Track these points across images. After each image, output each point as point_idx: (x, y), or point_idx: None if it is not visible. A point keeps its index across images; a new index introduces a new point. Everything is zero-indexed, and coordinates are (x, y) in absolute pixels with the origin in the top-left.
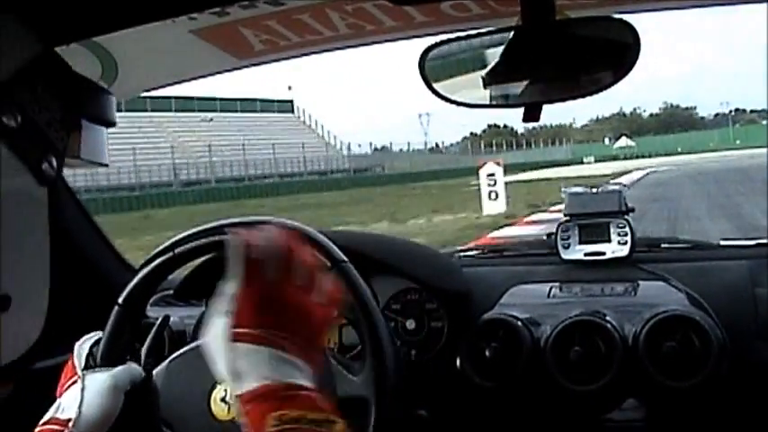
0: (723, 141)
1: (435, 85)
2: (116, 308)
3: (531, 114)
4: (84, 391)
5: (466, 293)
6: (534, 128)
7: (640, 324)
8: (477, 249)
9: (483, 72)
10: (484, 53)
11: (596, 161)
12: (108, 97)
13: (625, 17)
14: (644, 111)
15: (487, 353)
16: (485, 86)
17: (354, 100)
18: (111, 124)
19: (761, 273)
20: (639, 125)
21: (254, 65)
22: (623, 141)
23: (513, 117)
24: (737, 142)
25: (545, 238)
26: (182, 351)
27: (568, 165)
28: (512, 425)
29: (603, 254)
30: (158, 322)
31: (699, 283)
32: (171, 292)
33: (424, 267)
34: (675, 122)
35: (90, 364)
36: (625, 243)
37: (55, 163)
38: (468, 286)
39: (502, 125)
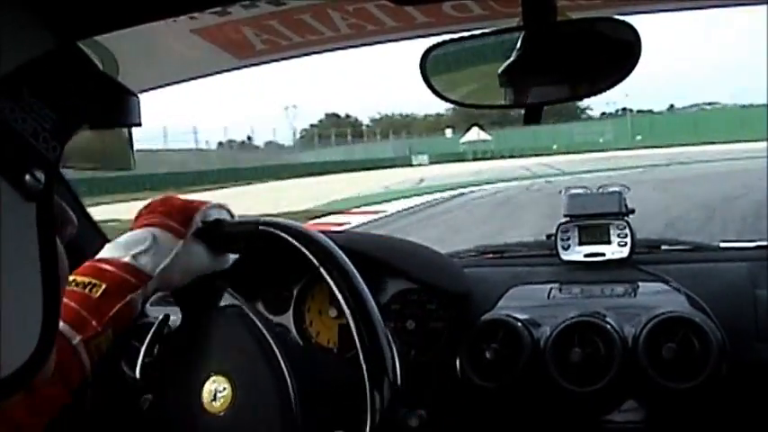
0: (619, 137)
1: (436, 86)
2: (257, 227)
3: (532, 115)
4: (178, 257)
5: (466, 294)
6: (382, 117)
7: (640, 325)
8: (477, 250)
9: (484, 72)
10: (485, 54)
11: (432, 162)
12: (131, 100)
13: (626, 18)
14: None
15: (487, 353)
16: (485, 87)
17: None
18: (136, 125)
19: (760, 274)
20: (504, 112)
21: (255, 64)
22: (474, 134)
23: (354, 105)
24: (638, 138)
25: (545, 239)
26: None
27: (389, 167)
28: (511, 426)
29: (603, 255)
30: (158, 321)
31: (699, 284)
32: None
33: (424, 268)
34: (553, 111)
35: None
36: (625, 244)
37: (42, 176)
38: (468, 287)
39: (344, 114)
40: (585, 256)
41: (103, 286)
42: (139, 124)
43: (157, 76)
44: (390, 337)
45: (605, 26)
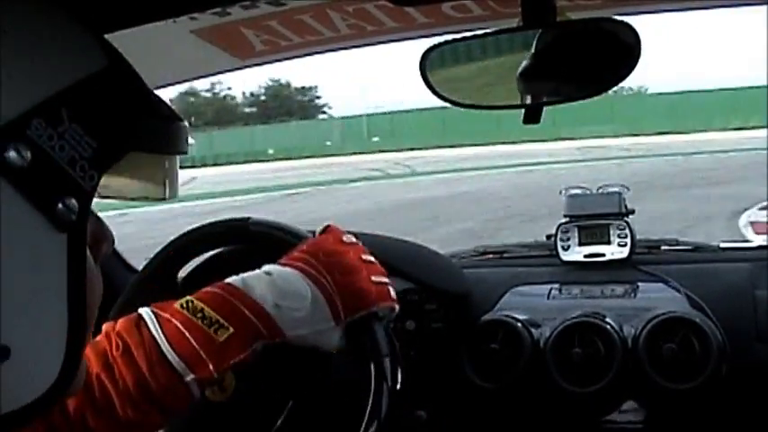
0: (352, 140)
1: (435, 86)
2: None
3: (532, 116)
4: (319, 335)
5: (466, 294)
6: None
7: (640, 326)
8: (477, 251)
9: (483, 73)
10: (484, 54)
11: None
12: (178, 127)
13: (626, 18)
14: (228, 89)
15: (487, 354)
16: (485, 87)
17: None
18: (182, 153)
19: (760, 275)
20: (228, 110)
21: (256, 65)
22: None
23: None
24: (375, 140)
25: (545, 239)
26: None
27: None
28: (511, 426)
29: (603, 255)
30: None
31: (699, 285)
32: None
33: (424, 268)
34: (282, 110)
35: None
36: (625, 245)
37: (76, 205)
38: (468, 287)
39: None
40: (585, 256)
41: (231, 330)
42: (186, 152)
43: (157, 78)
44: (393, 338)
45: (605, 26)
